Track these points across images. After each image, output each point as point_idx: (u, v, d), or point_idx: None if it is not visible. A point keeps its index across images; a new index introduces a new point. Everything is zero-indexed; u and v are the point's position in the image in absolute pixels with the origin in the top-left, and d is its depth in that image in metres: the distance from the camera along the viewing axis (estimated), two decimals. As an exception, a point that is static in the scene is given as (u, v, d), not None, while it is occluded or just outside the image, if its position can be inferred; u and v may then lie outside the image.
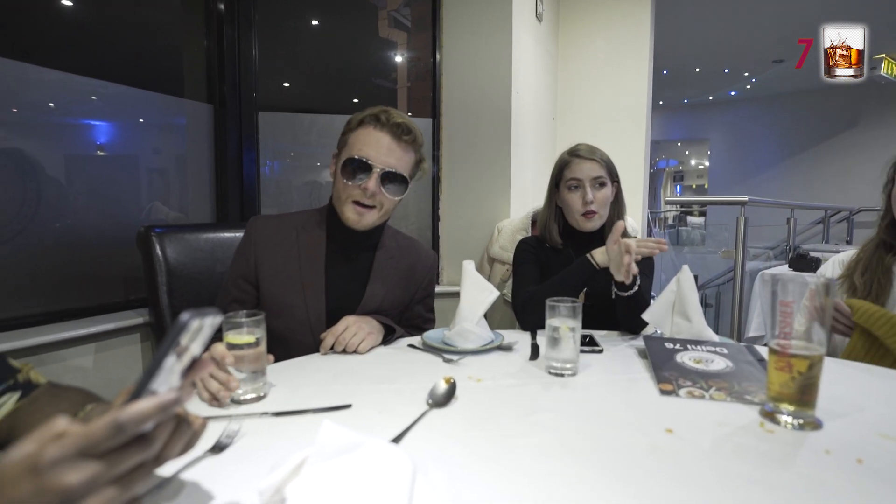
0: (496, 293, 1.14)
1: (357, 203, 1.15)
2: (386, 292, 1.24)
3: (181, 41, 1.99)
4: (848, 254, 1.39)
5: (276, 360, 0.92)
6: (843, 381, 0.94)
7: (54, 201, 1.49)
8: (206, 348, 0.53)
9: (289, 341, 1.13)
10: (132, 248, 1.41)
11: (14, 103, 1.42)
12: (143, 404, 0.41)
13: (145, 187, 1.82)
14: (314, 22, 2.48)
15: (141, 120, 1.79)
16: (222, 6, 1.94)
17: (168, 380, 0.46)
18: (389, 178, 1.15)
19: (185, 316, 0.45)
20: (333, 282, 1.19)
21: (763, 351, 1.01)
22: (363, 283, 1.23)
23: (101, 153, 1.68)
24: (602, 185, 1.41)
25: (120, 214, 1.69)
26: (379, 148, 1.14)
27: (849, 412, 0.77)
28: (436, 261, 1.40)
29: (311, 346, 1.12)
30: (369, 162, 1.13)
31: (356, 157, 1.13)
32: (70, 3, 1.65)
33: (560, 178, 1.46)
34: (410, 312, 1.33)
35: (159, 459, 0.48)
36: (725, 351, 1.02)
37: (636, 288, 1.23)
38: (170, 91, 1.85)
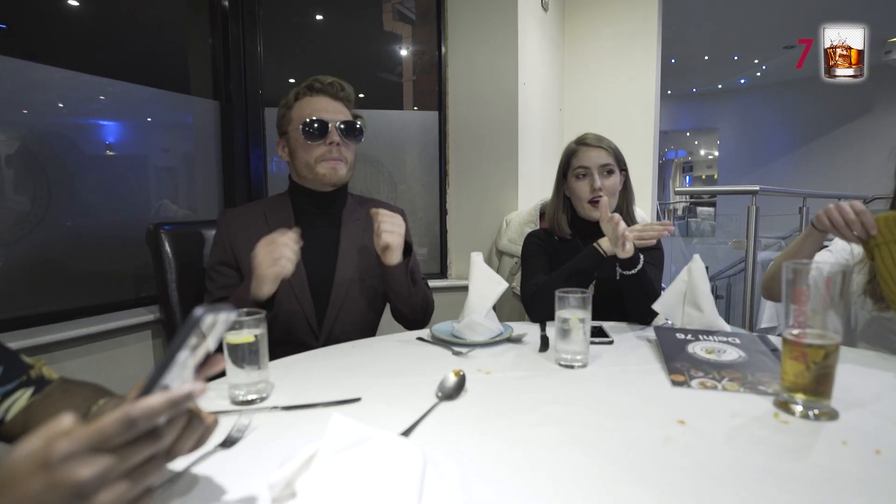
0: (505, 285, 1.14)
1: (326, 160, 1.23)
2: (360, 257, 1.29)
3: (187, 38, 1.99)
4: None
5: (270, 333, 0.87)
6: (858, 370, 0.92)
7: (64, 200, 1.50)
8: (220, 343, 0.53)
9: (278, 311, 1.19)
10: (141, 246, 1.42)
11: (23, 104, 1.43)
12: (155, 399, 0.41)
13: (154, 185, 1.83)
14: (318, 17, 2.47)
15: (149, 118, 1.80)
16: (227, 3, 1.93)
17: (181, 374, 0.46)
18: (347, 129, 1.25)
19: (198, 311, 0.45)
20: (309, 251, 1.21)
21: (776, 341, 0.99)
22: (336, 252, 1.29)
23: (110, 152, 1.69)
24: (610, 172, 1.41)
25: (129, 212, 1.70)
26: (325, 109, 1.24)
27: (865, 402, 0.76)
28: (401, 215, 1.35)
29: (298, 312, 1.23)
30: (324, 119, 1.22)
31: (311, 118, 1.22)
32: (76, 3, 1.66)
33: (567, 167, 1.46)
34: None
35: (171, 454, 0.49)
36: (738, 341, 1.01)
37: (640, 265, 1.22)
38: (176, 88, 1.86)
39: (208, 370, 0.51)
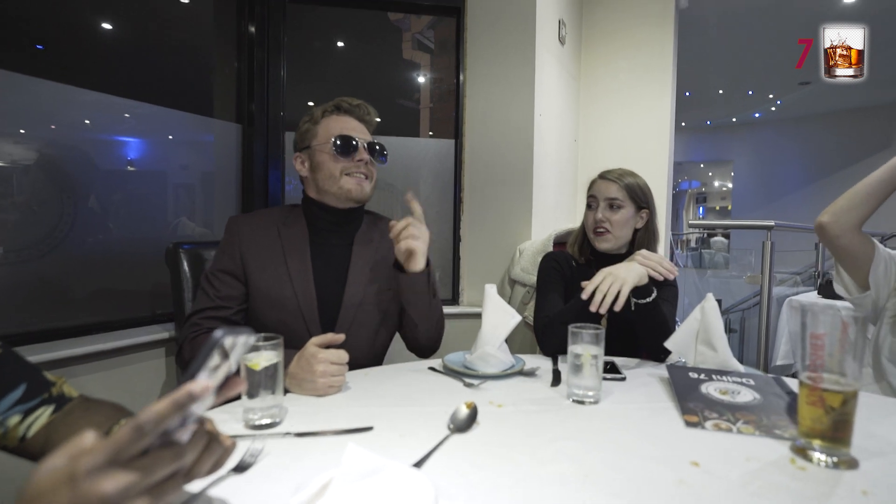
0: (518, 318, 1.14)
1: (353, 174, 1.24)
2: (369, 279, 1.27)
3: (213, 63, 2.06)
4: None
5: None
6: (880, 417, 0.90)
7: (88, 217, 1.54)
8: (238, 367, 0.54)
9: (283, 332, 1.11)
10: (159, 264, 1.45)
11: (54, 121, 1.49)
12: (160, 404, 0.42)
13: (172, 203, 1.88)
14: (340, 44, 2.54)
15: (171, 138, 1.85)
16: (253, 29, 2.01)
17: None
18: (374, 148, 1.27)
19: (218, 333, 0.46)
20: (320, 271, 1.23)
21: (792, 383, 0.98)
22: (346, 273, 1.27)
23: (132, 168, 1.74)
24: (617, 207, 1.42)
25: (149, 230, 1.74)
26: (353, 128, 1.26)
27: (886, 451, 0.74)
28: None
29: (304, 334, 1.12)
30: (354, 137, 1.24)
31: (343, 134, 1.23)
32: (110, 27, 1.73)
33: (587, 197, 1.49)
34: None
35: (190, 475, 0.49)
36: (752, 382, 0.99)
37: (654, 295, 1.23)
38: (200, 111, 1.91)
39: (228, 392, 0.52)
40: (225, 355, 0.48)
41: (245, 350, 0.53)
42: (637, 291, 1.22)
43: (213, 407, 0.55)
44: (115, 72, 1.70)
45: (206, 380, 0.45)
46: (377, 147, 1.28)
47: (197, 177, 1.97)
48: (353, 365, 1.15)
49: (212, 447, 0.51)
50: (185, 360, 1.17)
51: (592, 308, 1.16)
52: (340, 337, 1.03)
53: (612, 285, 1.16)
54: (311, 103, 2.35)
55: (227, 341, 0.47)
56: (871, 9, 4.24)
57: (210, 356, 0.46)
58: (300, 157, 1.29)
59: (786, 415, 0.86)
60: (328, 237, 1.28)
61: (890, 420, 0.90)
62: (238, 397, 0.83)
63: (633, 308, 1.25)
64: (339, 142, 1.22)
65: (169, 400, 0.42)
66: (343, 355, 1.00)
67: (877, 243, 1.28)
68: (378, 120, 1.35)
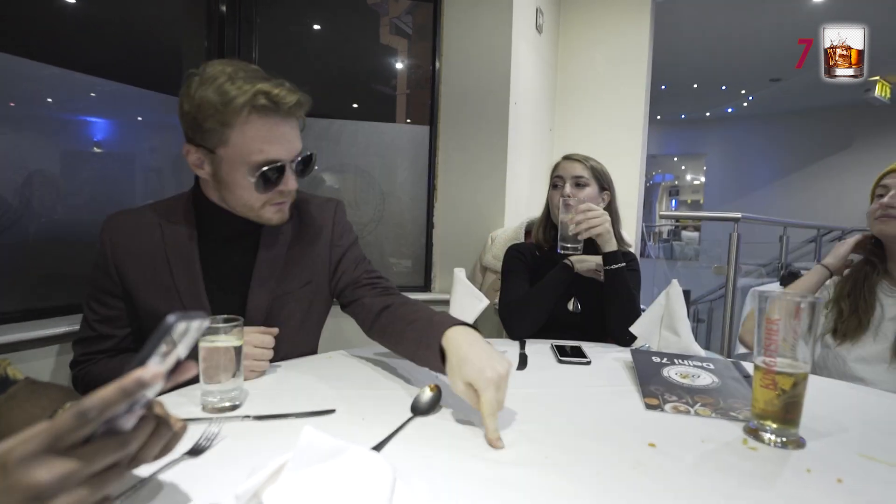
0: (486, 301, 1.14)
1: (275, 203, 0.99)
2: (280, 277, 1.05)
3: (181, 41, 1.99)
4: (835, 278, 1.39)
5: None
6: (826, 399, 0.94)
7: (47, 197, 1.48)
8: (192, 352, 0.52)
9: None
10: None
11: (11, 97, 1.42)
12: (106, 390, 0.40)
13: (140, 186, 1.82)
14: (316, 26, 2.49)
15: (139, 118, 1.79)
16: (224, 7, 1.94)
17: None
18: (303, 167, 1.00)
19: (171, 318, 0.45)
20: (215, 281, 1.01)
21: (750, 367, 1.01)
22: (249, 278, 1.03)
23: (97, 150, 1.67)
24: (583, 185, 1.44)
25: (112, 212, 1.67)
26: (280, 138, 0.93)
27: (831, 431, 0.77)
28: (337, 208, 1.17)
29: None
30: (282, 161, 0.94)
31: (266, 163, 0.92)
32: (72, 1, 1.65)
33: (551, 179, 1.50)
34: (350, 280, 1.12)
35: (136, 461, 0.48)
36: (712, 366, 1.02)
37: (622, 263, 1.31)
38: (168, 90, 1.85)
39: (179, 377, 0.50)
40: (175, 341, 0.47)
41: (200, 334, 0.51)
42: (607, 258, 1.31)
43: (165, 392, 0.53)
44: (78, 47, 1.62)
45: (156, 366, 0.44)
46: (307, 162, 1.00)
47: (165, 159, 1.91)
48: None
49: (160, 431, 0.49)
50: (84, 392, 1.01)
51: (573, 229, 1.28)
52: (273, 331, 0.96)
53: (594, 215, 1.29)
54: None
55: (180, 327, 0.46)
56: (843, 8, 4.35)
57: (161, 342, 0.45)
58: (196, 154, 0.95)
59: (742, 398, 0.89)
60: (222, 238, 1.03)
61: (835, 401, 0.94)
62: (195, 380, 0.81)
63: (602, 279, 1.33)
64: (262, 177, 0.93)
65: (116, 386, 0.40)
66: (267, 339, 0.93)
67: None
68: (352, 105, 1.16)
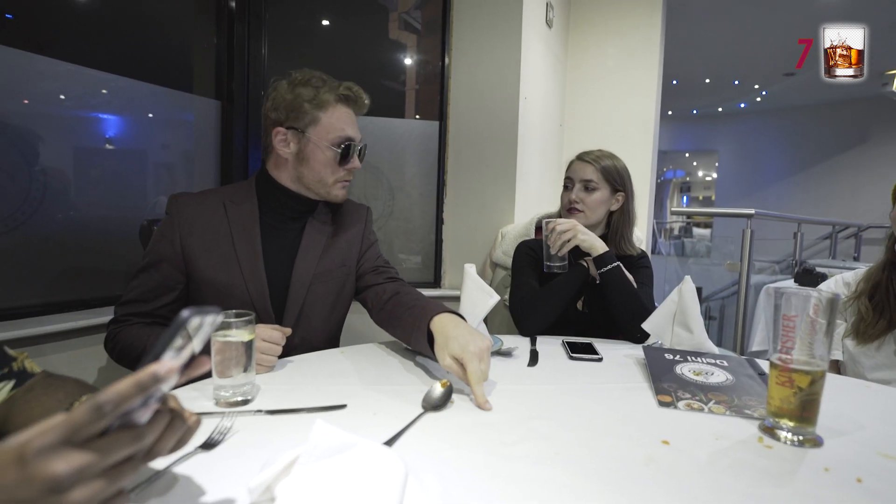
0: (496, 297, 1.14)
1: (343, 181, 1.19)
2: (320, 256, 1.20)
3: (192, 37, 2.00)
4: (852, 274, 1.37)
5: None
6: (844, 397, 0.92)
7: (60, 192, 1.50)
8: (205, 346, 0.53)
9: None
10: (135, 242, 1.41)
11: (25, 94, 1.43)
12: (122, 384, 0.40)
13: (151, 181, 1.83)
14: (325, 22, 2.48)
15: (149, 115, 1.80)
16: (234, 4, 1.95)
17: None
18: (364, 151, 1.22)
19: (185, 313, 0.45)
20: (270, 255, 1.14)
21: (764, 365, 1.00)
22: (296, 251, 1.19)
23: (109, 146, 1.68)
24: (592, 189, 1.42)
25: (125, 208, 1.69)
26: (355, 126, 1.18)
27: (849, 430, 0.76)
28: (368, 212, 1.34)
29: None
30: (356, 142, 1.17)
31: (347, 140, 1.14)
32: (84, -3, 1.66)
33: (564, 178, 1.50)
34: (370, 267, 1.28)
35: (151, 454, 0.48)
36: (725, 363, 1.01)
37: (614, 264, 1.31)
38: (179, 86, 1.86)
39: (192, 372, 0.51)
40: (190, 335, 0.47)
41: (213, 329, 0.51)
42: (597, 262, 1.31)
43: (178, 386, 0.54)
44: (90, 43, 1.64)
45: (170, 361, 0.44)
46: (364, 150, 1.21)
47: (176, 155, 1.92)
48: (308, 345, 1.14)
49: (175, 425, 0.49)
50: (115, 356, 1.08)
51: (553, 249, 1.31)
52: (286, 330, 0.98)
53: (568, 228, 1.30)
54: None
55: (194, 321, 0.46)
56: (856, 1, 4.27)
57: (176, 336, 0.45)
58: (285, 137, 1.13)
59: (756, 395, 0.87)
60: (280, 217, 1.19)
61: (853, 399, 0.92)
62: (208, 375, 0.82)
63: (598, 282, 1.33)
64: (345, 151, 1.14)
65: (132, 380, 0.41)
66: (276, 335, 0.95)
67: None
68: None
